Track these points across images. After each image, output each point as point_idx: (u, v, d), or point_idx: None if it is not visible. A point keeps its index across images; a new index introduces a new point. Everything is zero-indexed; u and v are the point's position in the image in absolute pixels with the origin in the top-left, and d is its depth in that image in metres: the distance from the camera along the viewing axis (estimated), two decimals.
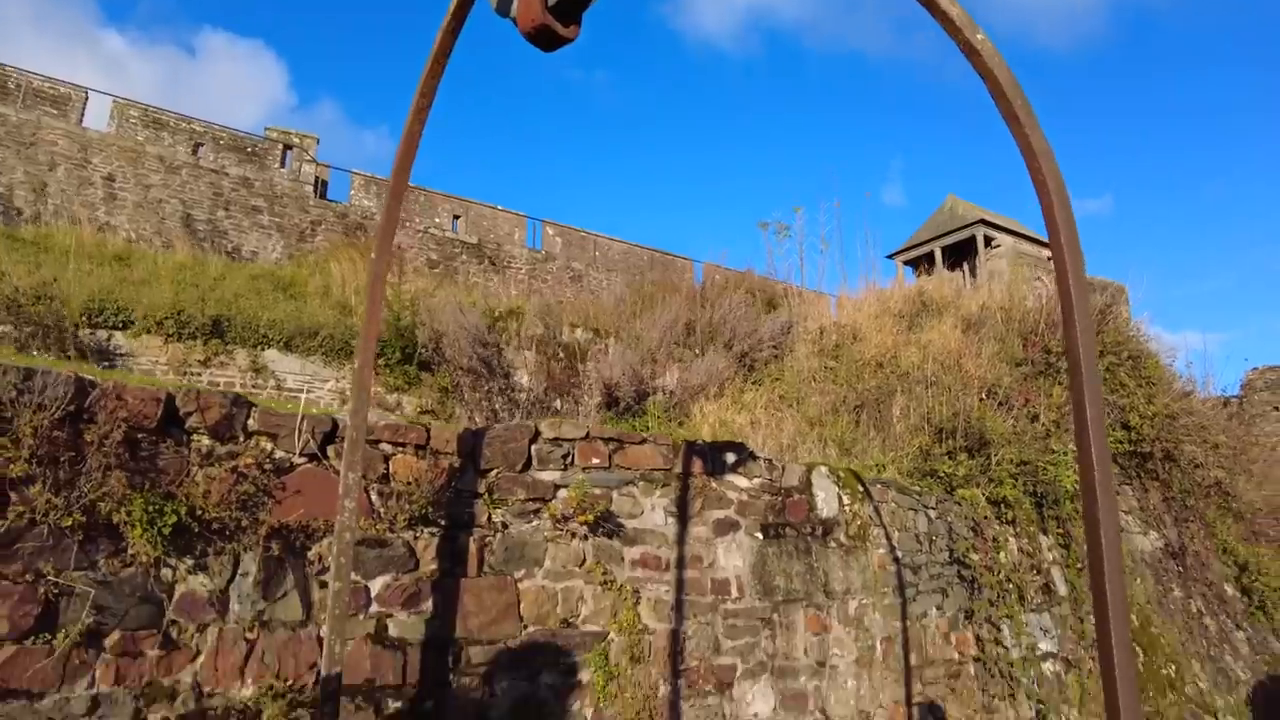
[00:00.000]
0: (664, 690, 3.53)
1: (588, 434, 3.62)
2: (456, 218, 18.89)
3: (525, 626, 3.19)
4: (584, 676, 3.30)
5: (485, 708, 2.96)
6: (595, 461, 3.61)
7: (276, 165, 16.80)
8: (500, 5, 1.84)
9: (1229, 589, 11.36)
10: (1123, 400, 9.60)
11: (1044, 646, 6.36)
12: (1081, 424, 1.68)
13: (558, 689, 3.20)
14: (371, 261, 2.53)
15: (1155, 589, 9.00)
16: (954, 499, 5.94)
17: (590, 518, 3.37)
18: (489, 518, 3.21)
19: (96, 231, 12.45)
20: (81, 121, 15.05)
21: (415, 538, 2.98)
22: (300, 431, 2.79)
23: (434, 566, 3.00)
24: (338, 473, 2.76)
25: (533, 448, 3.43)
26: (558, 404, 8.03)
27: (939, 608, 5.24)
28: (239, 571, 2.62)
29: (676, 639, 3.63)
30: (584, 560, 3.46)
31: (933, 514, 5.52)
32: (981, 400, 7.65)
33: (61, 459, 2.36)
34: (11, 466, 2.27)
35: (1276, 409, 15.33)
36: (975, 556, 5.81)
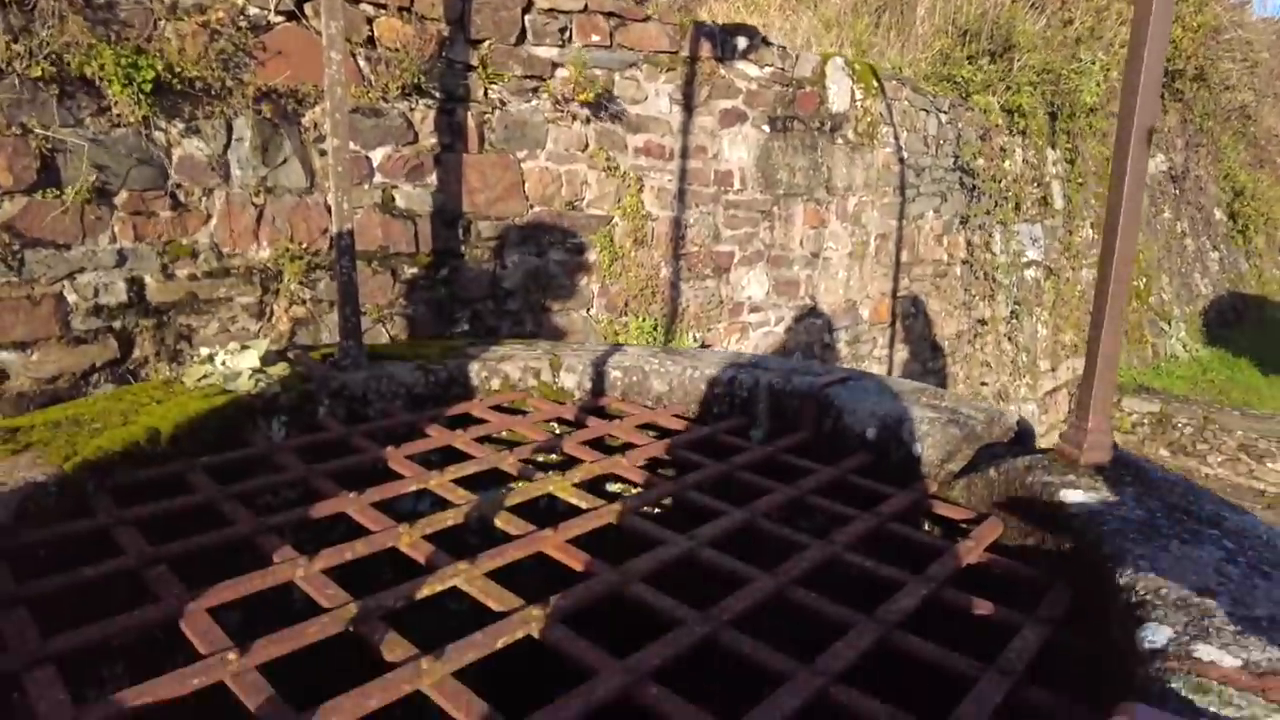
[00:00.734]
0: (665, 272, 3.71)
1: (585, 7, 3.31)
2: None
3: (531, 206, 3.23)
4: (590, 256, 3.43)
5: (498, 278, 3.12)
6: (595, 39, 3.35)
7: None
8: None
9: (1218, 213, 11.55)
10: None
11: (1030, 255, 6.63)
12: (1140, 40, 1.48)
13: (566, 265, 3.35)
14: None
15: (1147, 209, 9.12)
16: (968, 105, 5.71)
17: (590, 97, 3.22)
18: (485, 93, 3.06)
19: None
20: None
21: (410, 109, 2.87)
22: None
23: (434, 140, 2.93)
24: (319, 33, 2.55)
25: (526, 18, 3.16)
26: None
27: (936, 211, 5.33)
28: (234, 137, 2.56)
29: (678, 226, 3.71)
30: (586, 145, 3.39)
31: (944, 118, 5.34)
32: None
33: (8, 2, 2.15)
34: None
35: None
36: (980, 163, 5.76)
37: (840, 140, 4.43)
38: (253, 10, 2.54)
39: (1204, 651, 1.02)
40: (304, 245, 2.68)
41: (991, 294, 6.08)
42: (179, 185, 2.49)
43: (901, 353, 5.17)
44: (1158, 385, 7.27)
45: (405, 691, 1.08)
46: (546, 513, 2.22)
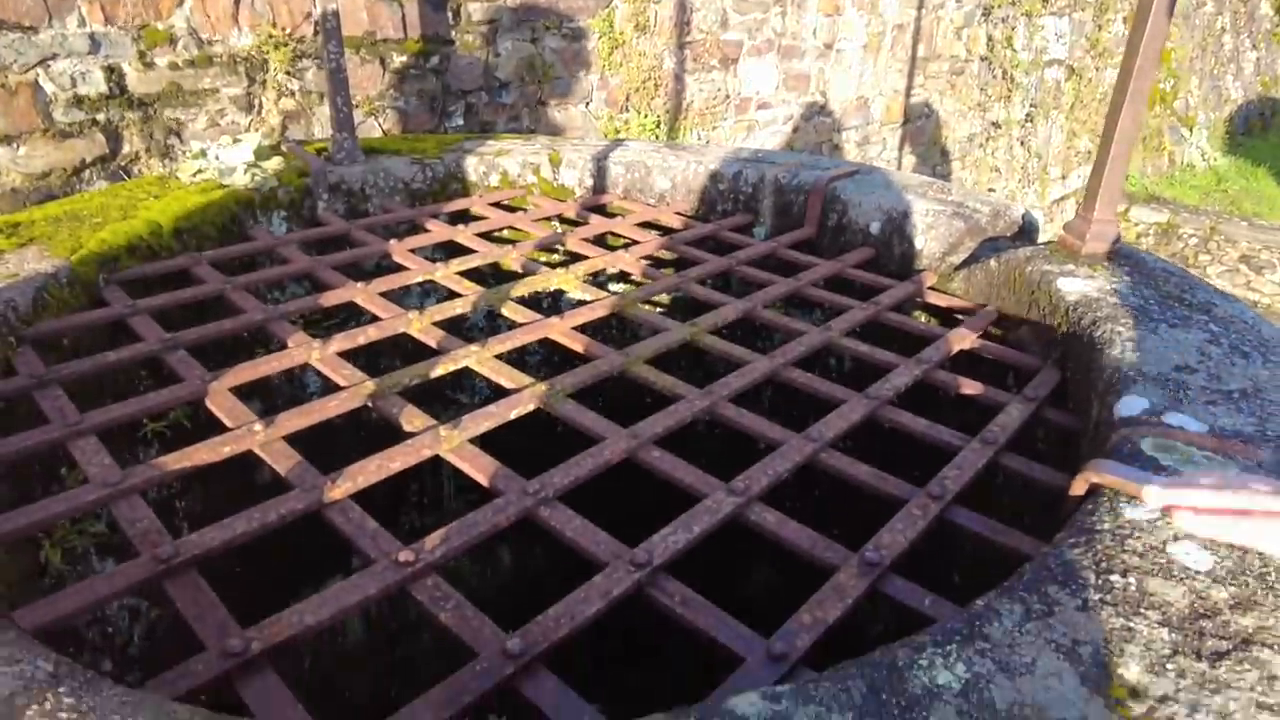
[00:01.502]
0: (669, 64, 3.52)
1: None
2: None
3: None
4: (589, 44, 3.24)
5: (491, 67, 2.96)
6: None
7: None
8: None
9: (1265, 6, 10.72)
10: None
11: (1053, 52, 6.25)
12: None
13: (562, 53, 3.17)
14: None
15: (1186, 1, 8.45)
16: None
17: None
18: None
19: None
20: None
21: None
22: None
23: None
24: None
25: None
26: None
27: (958, 1, 4.96)
28: None
29: (683, 9, 3.47)
30: None
31: None
32: None
33: None
34: None
35: None
36: None
37: None
38: None
39: (1174, 419, 1.08)
40: (287, 31, 2.52)
41: (1008, 95, 5.80)
42: None
43: (910, 157, 5.02)
44: (1169, 195, 7.13)
45: (425, 456, 1.15)
46: (550, 305, 2.26)
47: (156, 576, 0.92)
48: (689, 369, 1.49)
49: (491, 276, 2.02)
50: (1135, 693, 0.67)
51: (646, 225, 2.17)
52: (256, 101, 2.52)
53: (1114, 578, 0.79)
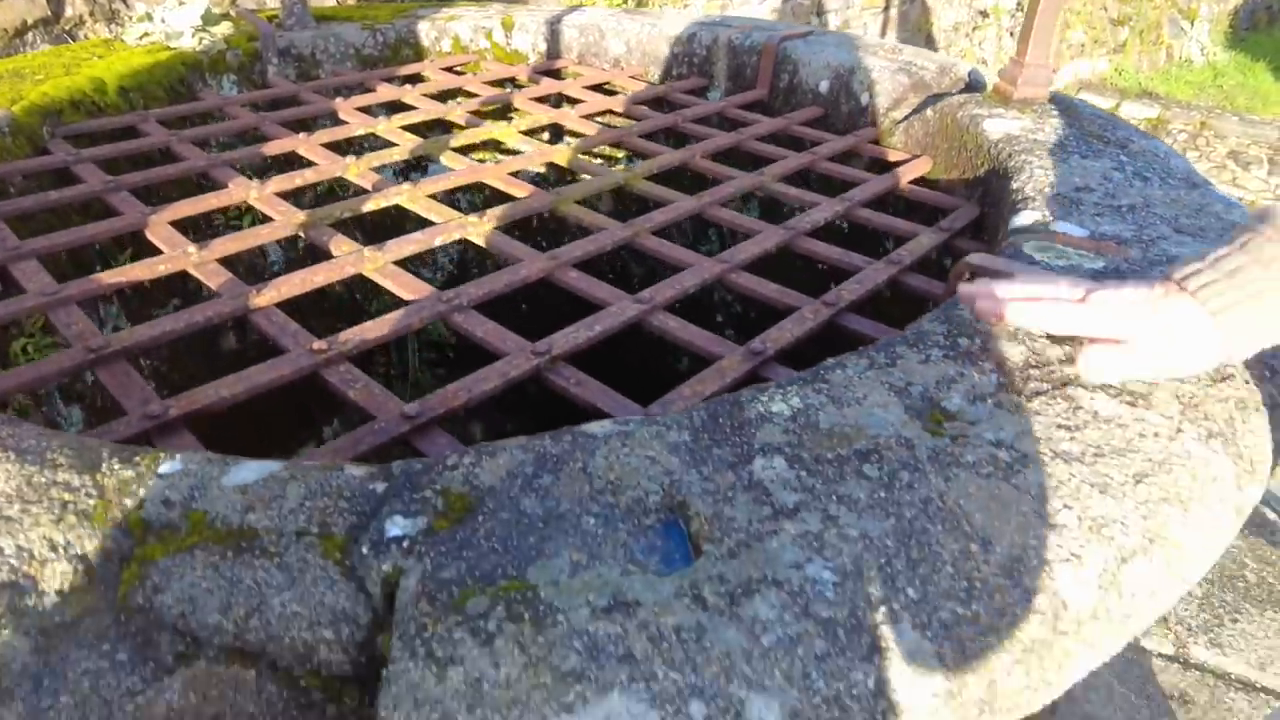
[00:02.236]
0: None
1: None
2: None
3: None
4: None
5: None
6: None
7: None
8: None
9: None
10: None
11: None
12: None
13: None
14: None
15: None
16: None
17: None
18: None
19: None
20: None
21: None
22: None
23: None
24: None
25: None
26: None
27: None
28: None
29: None
30: None
31: None
32: None
33: None
34: None
35: None
36: None
37: None
38: None
39: (1061, 227, 1.13)
40: None
41: None
42: None
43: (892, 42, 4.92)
44: (1162, 91, 6.99)
45: (348, 274, 1.21)
46: (491, 158, 2.27)
47: (88, 363, 0.98)
48: (623, 216, 1.52)
49: (435, 132, 2.04)
50: (950, 416, 0.74)
51: (597, 88, 2.17)
52: None
53: (961, 340, 0.86)
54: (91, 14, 2.23)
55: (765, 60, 2.08)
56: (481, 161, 1.69)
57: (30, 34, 2.14)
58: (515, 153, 1.72)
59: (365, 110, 1.91)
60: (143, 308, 1.70)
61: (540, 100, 2.02)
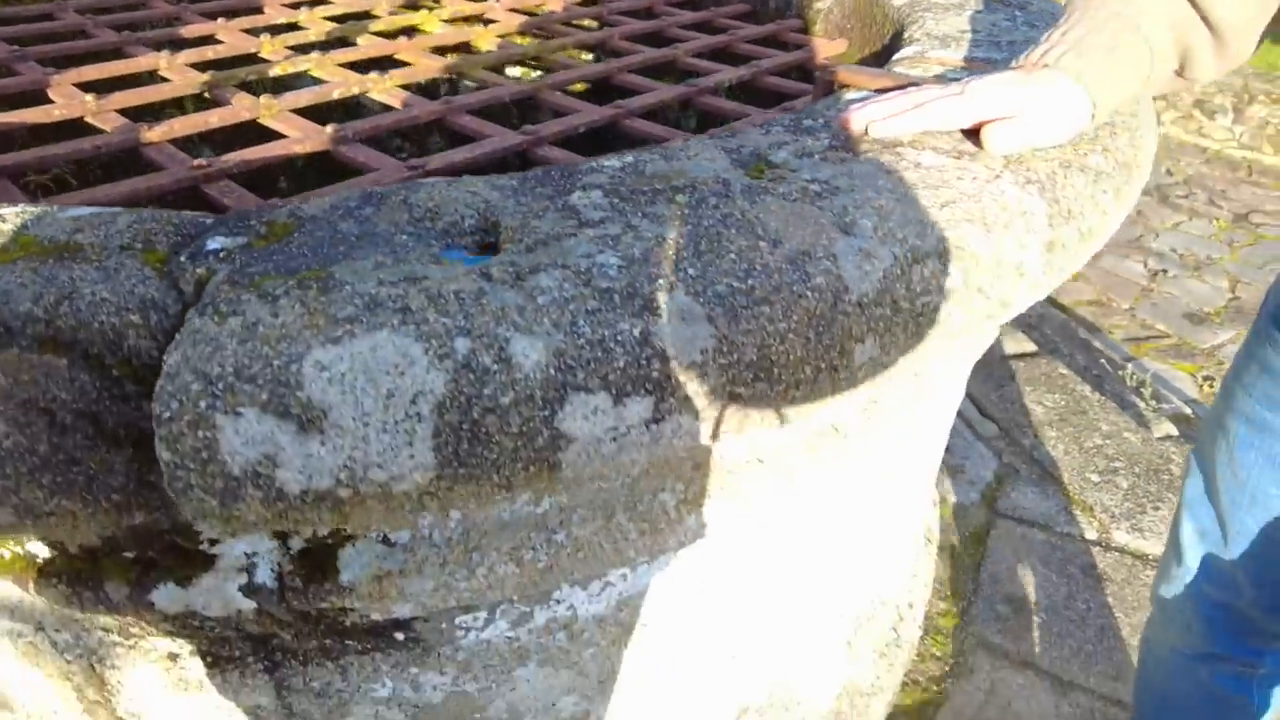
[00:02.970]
0: None
1: None
2: None
3: None
4: None
5: None
6: None
7: None
8: None
9: None
10: None
11: None
12: None
13: None
14: None
15: None
16: None
17: None
18: None
19: None
20: None
21: None
22: None
23: None
24: None
25: None
26: None
27: None
28: None
29: None
30: None
31: None
32: None
33: None
34: None
35: None
36: None
37: None
38: None
39: (938, 54, 1.15)
40: None
41: None
42: None
43: None
44: None
45: (242, 118, 1.22)
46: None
47: None
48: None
49: (356, 18, 2.04)
50: (774, 166, 0.77)
51: None
52: None
53: (806, 121, 0.88)
54: None
55: None
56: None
57: None
58: (436, 34, 1.72)
59: (290, 6, 1.91)
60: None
61: None
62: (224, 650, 0.84)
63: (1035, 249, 0.73)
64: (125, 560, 0.72)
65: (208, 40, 1.66)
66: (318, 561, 0.73)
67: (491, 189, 0.72)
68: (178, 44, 1.86)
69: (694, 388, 0.57)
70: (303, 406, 0.51)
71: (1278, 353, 0.90)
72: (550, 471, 0.56)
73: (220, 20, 1.69)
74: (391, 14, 1.84)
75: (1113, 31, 0.78)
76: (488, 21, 2.16)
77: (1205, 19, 0.76)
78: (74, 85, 1.36)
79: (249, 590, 0.75)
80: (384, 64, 1.53)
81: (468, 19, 1.99)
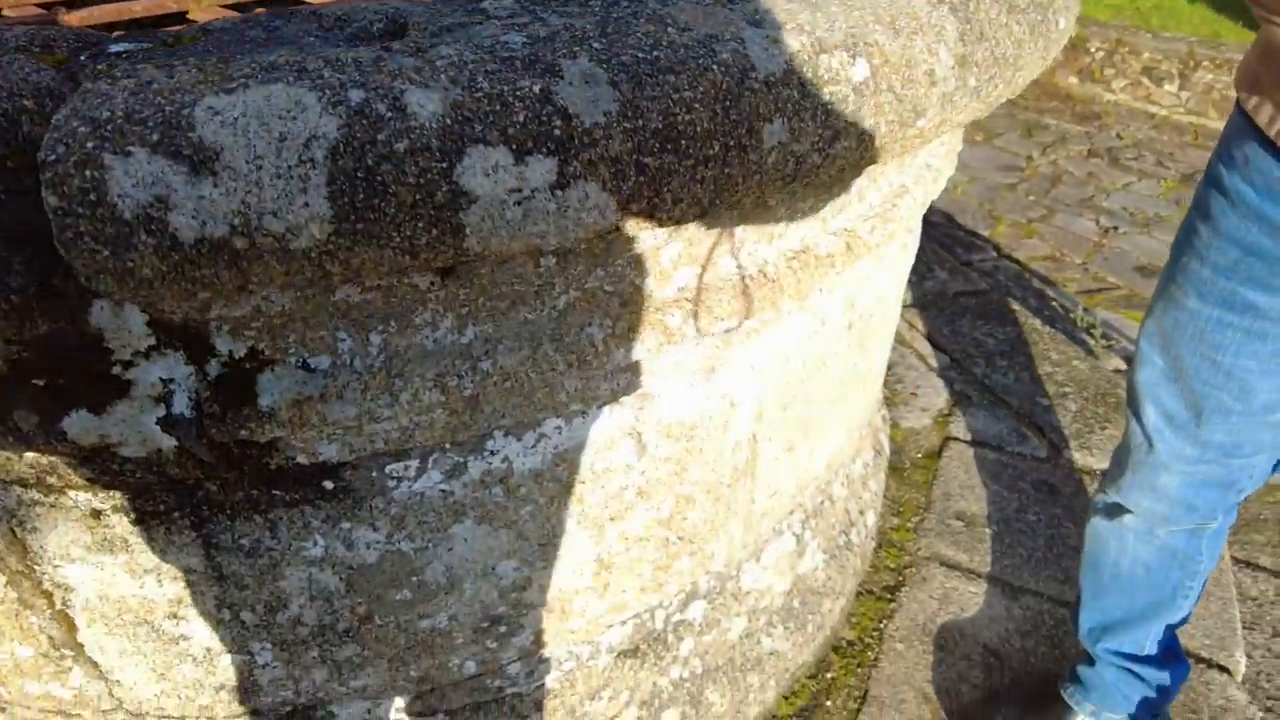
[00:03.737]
0: None
1: None
2: None
3: None
4: None
5: None
6: None
7: None
8: None
9: None
10: None
11: None
12: None
13: None
14: None
15: None
16: None
17: None
18: None
19: None
20: None
21: None
22: None
23: None
24: None
25: None
26: None
27: None
28: None
29: None
30: None
31: None
32: None
33: None
34: None
35: None
36: None
37: None
38: None
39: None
40: None
41: None
42: None
43: None
44: (1081, 12, 7.15)
45: (170, 9, 1.20)
46: None
47: None
48: None
49: None
50: None
51: None
52: None
53: None
54: None
55: None
56: None
57: None
58: None
59: None
60: None
61: None
62: (148, 504, 0.82)
63: (946, 59, 0.74)
64: (35, 388, 0.71)
65: None
66: (236, 387, 0.72)
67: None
68: None
69: (599, 151, 0.57)
70: (194, 147, 0.50)
71: (1265, 233, 0.85)
72: (454, 237, 0.55)
73: None
74: None
75: None
76: None
77: None
78: None
79: (167, 424, 0.73)
80: None
81: None
